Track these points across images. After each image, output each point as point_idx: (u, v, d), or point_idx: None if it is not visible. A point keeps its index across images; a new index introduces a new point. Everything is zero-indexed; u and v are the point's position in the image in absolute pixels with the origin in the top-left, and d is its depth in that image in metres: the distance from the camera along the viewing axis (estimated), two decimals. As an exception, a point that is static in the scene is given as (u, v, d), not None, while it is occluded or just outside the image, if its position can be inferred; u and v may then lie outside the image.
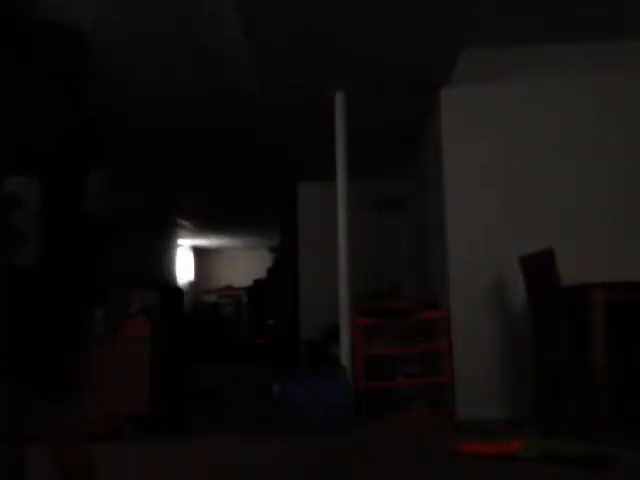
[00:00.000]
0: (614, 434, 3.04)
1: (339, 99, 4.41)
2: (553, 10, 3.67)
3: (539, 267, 3.44)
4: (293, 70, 4.13)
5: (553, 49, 4.13)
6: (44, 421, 1.60)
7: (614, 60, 4.11)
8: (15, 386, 1.59)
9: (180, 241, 11.67)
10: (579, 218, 4.01)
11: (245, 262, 13.58)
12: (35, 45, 1.61)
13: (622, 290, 3.23)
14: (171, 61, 4.02)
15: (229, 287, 12.95)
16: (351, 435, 3.56)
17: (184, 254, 12.53)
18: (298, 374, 4.82)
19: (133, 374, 3.63)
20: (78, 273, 1.66)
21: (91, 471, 1.63)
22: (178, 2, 3.33)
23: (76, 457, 1.63)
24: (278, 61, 4.00)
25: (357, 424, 3.75)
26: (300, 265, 6.93)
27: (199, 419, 4.39)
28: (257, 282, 12.28)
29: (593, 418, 3.11)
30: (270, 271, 11.53)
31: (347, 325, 4.13)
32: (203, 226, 10.97)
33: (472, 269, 4.06)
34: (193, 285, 13.08)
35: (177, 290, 7.51)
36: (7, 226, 1.58)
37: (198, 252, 13.58)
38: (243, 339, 11.35)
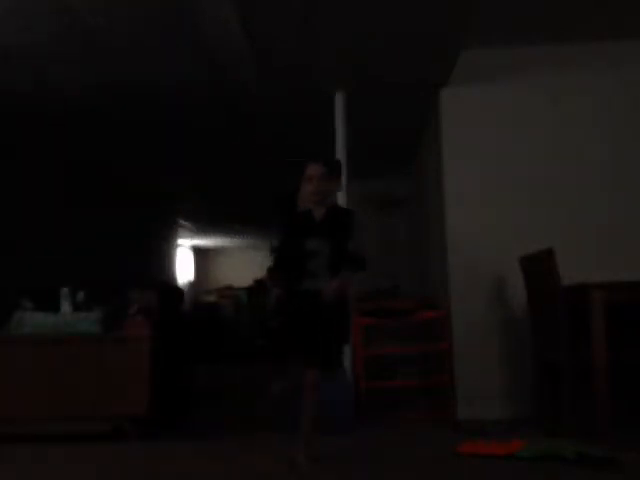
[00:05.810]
0: (614, 434, 3.04)
1: (339, 99, 4.41)
2: (553, 10, 3.67)
3: (539, 267, 3.44)
4: (293, 70, 4.13)
5: (553, 49, 4.14)
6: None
7: (614, 60, 4.12)
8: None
9: (180, 241, 11.66)
10: (579, 218, 4.01)
11: (245, 262, 13.58)
12: None
13: (622, 290, 3.23)
14: (171, 61, 4.02)
15: (229, 287, 12.93)
16: (351, 435, 3.56)
17: (184, 254, 12.53)
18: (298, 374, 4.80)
19: (133, 374, 3.63)
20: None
21: None
22: (178, 3, 3.33)
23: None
24: (278, 61, 4.00)
25: (357, 424, 3.75)
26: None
27: (199, 419, 4.39)
28: (257, 282, 12.26)
29: (593, 418, 3.11)
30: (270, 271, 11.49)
31: (347, 325, 4.13)
32: (203, 226, 10.98)
33: (472, 269, 4.06)
34: (193, 285, 13.08)
35: (177, 290, 7.50)
36: (306, 269, 2.89)
37: (198, 252, 13.58)
38: (243, 339, 11.33)
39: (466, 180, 4.16)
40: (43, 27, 3.52)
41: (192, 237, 11.93)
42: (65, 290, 3.97)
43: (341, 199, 4.34)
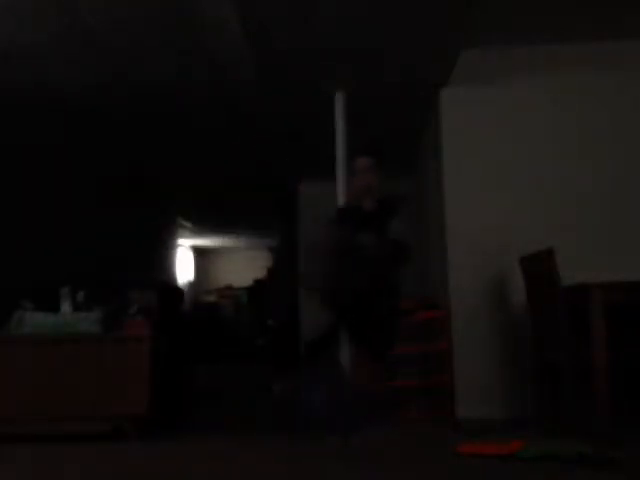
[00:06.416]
0: (614, 434, 3.04)
1: (339, 99, 4.40)
2: (553, 10, 3.67)
3: (539, 267, 3.44)
4: (293, 70, 4.13)
5: (553, 49, 4.14)
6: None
7: (614, 60, 4.11)
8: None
9: (180, 241, 11.66)
10: (579, 218, 4.01)
11: (245, 262, 13.58)
12: None
13: (622, 290, 3.23)
14: (171, 62, 4.02)
15: (229, 287, 12.94)
16: (351, 435, 3.55)
17: (184, 254, 12.53)
18: (298, 374, 4.81)
19: (133, 374, 3.63)
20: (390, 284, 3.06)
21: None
22: (178, 3, 3.33)
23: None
24: (278, 61, 4.00)
25: (357, 424, 3.74)
26: (300, 265, 6.93)
27: (199, 419, 4.40)
28: (257, 282, 12.27)
29: (593, 418, 3.11)
30: (270, 271, 11.52)
31: (347, 325, 4.12)
32: (203, 226, 10.97)
33: (472, 269, 4.06)
34: (193, 285, 13.08)
35: (176, 290, 7.50)
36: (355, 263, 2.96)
37: (198, 252, 13.58)
38: (243, 339, 11.34)
39: (466, 180, 4.16)
40: (43, 27, 3.52)
41: (192, 237, 11.92)
42: (65, 290, 3.97)
43: (341, 199, 4.35)
